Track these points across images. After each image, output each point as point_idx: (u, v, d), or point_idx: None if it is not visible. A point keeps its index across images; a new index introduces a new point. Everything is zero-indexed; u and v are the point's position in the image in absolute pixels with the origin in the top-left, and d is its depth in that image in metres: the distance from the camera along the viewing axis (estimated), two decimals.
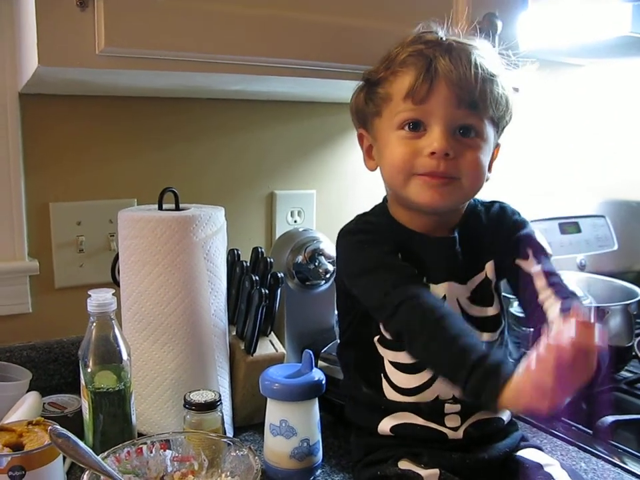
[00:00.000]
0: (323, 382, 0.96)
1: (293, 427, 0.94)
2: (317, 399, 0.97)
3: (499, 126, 0.87)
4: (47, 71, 0.89)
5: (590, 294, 1.41)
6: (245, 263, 1.15)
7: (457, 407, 0.86)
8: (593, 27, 1.41)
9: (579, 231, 1.75)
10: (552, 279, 0.85)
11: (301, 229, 1.27)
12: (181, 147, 1.35)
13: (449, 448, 0.86)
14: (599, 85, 1.93)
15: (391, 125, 0.84)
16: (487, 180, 0.87)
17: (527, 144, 1.82)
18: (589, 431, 1.11)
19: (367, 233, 0.88)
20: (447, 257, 0.88)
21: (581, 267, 1.69)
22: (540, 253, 0.88)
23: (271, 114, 1.43)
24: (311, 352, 0.99)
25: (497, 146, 0.90)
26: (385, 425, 0.89)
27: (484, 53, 0.83)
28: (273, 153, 1.45)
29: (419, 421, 0.87)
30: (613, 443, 1.07)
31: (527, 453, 0.88)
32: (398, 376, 0.88)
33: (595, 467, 0.99)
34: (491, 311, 0.89)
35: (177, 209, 1.06)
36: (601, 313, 1.28)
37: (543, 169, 1.87)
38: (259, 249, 1.19)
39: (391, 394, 0.89)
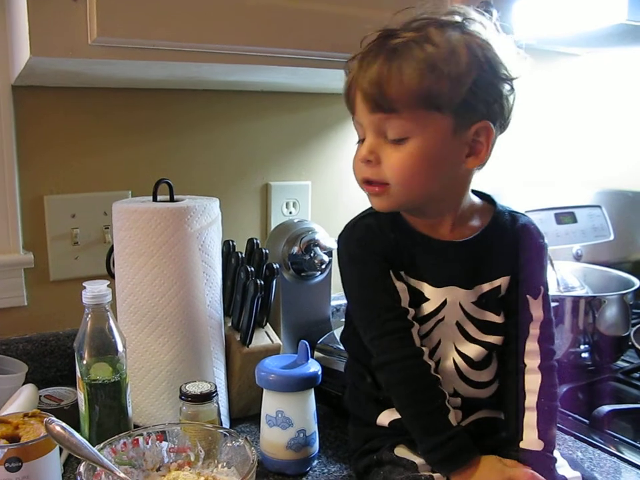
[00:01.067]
0: (319, 373, 0.96)
1: (289, 417, 0.94)
2: (312, 389, 0.97)
3: (457, 110, 0.77)
4: (39, 62, 0.88)
5: (586, 284, 1.41)
6: (240, 254, 1.15)
7: (458, 401, 0.86)
8: (588, 16, 1.40)
9: (575, 221, 1.75)
10: (546, 342, 0.86)
11: (296, 220, 1.27)
12: (175, 138, 1.34)
13: None
14: (595, 74, 1.92)
15: None
16: (475, 163, 0.82)
17: (522, 134, 1.82)
18: (585, 420, 1.11)
19: (360, 243, 0.86)
20: (451, 260, 0.86)
21: (577, 257, 1.69)
22: (547, 292, 0.88)
23: (265, 105, 1.42)
24: (307, 343, 0.99)
25: (475, 125, 0.79)
26: (384, 418, 0.89)
27: (434, 39, 0.76)
28: (267, 144, 1.44)
29: None
30: (610, 432, 1.08)
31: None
32: None
33: (591, 457, 0.99)
34: (497, 318, 0.87)
35: (172, 200, 1.06)
36: (597, 303, 1.28)
37: (538, 159, 1.87)
38: (254, 240, 1.18)
39: None
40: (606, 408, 1.12)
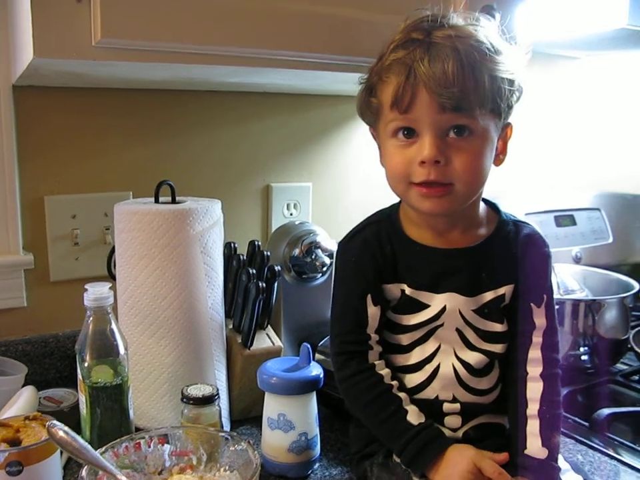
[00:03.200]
0: (321, 376, 0.96)
1: (290, 420, 0.94)
2: (314, 392, 0.96)
3: (502, 111, 0.81)
4: (42, 63, 0.88)
5: (586, 286, 1.42)
6: (241, 256, 1.15)
7: (457, 407, 0.86)
8: (589, 20, 1.41)
9: (574, 223, 1.75)
10: (548, 350, 0.86)
11: (297, 222, 1.27)
12: (177, 139, 1.34)
13: None
14: (595, 77, 1.92)
15: (386, 132, 0.83)
16: (500, 162, 0.85)
17: (522, 137, 1.81)
18: (585, 423, 1.11)
19: (348, 263, 0.88)
20: (451, 268, 0.85)
21: (577, 260, 1.69)
22: (551, 301, 0.87)
23: (267, 106, 1.42)
24: (309, 345, 0.99)
25: (507, 127, 0.85)
26: None
27: (476, 39, 0.78)
28: (269, 146, 1.44)
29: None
30: (609, 435, 1.08)
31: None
32: (399, 376, 0.87)
33: (591, 460, 0.99)
34: (499, 327, 0.86)
35: (174, 201, 1.06)
36: (597, 306, 1.28)
37: (538, 161, 1.87)
38: (256, 242, 1.18)
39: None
40: (605, 411, 1.12)
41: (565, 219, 1.74)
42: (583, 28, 1.45)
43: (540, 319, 0.86)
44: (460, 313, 0.85)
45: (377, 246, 0.86)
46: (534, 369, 0.85)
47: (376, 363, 0.86)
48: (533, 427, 0.83)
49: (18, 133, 1.19)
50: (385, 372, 0.86)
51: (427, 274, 0.85)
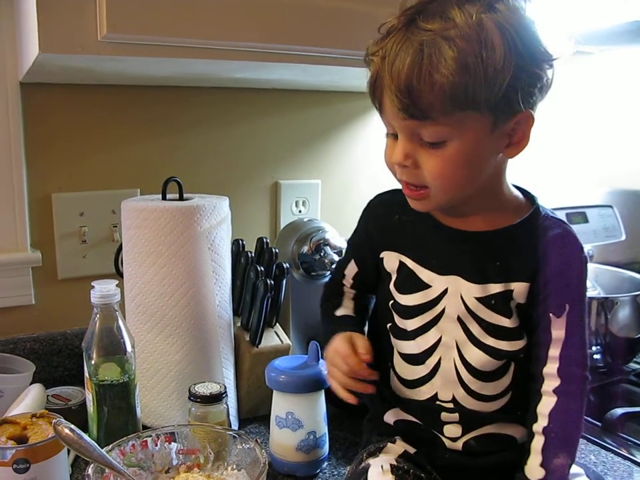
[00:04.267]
0: None
1: (299, 419, 0.93)
2: (323, 391, 0.96)
3: (499, 107, 0.71)
4: (47, 58, 0.87)
5: (598, 284, 1.40)
6: (249, 254, 1.14)
7: (456, 417, 0.82)
8: (602, 14, 1.39)
9: (586, 221, 1.74)
10: (567, 365, 0.79)
11: (305, 219, 1.26)
12: (185, 136, 1.34)
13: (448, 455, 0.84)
14: (609, 72, 1.91)
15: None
16: (515, 153, 0.77)
17: (534, 132, 1.80)
18: (597, 423, 1.10)
19: (365, 216, 0.91)
20: (457, 250, 0.81)
21: (589, 257, 1.67)
22: (575, 312, 0.79)
23: (275, 102, 1.42)
24: (318, 343, 0.98)
25: (521, 115, 0.73)
26: (390, 417, 0.88)
27: (463, 35, 0.68)
28: (277, 142, 1.44)
29: (420, 423, 0.85)
30: (623, 435, 1.07)
31: None
32: (403, 367, 0.85)
33: (604, 460, 0.98)
34: (507, 322, 0.80)
35: (181, 198, 1.05)
36: (609, 304, 1.27)
37: (550, 158, 1.86)
38: (264, 239, 1.17)
39: (396, 385, 0.87)
40: (619, 411, 1.11)
41: (576, 216, 1.72)
42: (596, 22, 1.43)
43: (558, 331, 0.79)
44: (462, 299, 0.80)
45: (386, 211, 0.87)
46: (549, 383, 0.79)
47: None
48: (537, 443, 0.78)
49: (25, 130, 1.19)
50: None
51: (432, 251, 0.82)
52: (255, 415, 1.11)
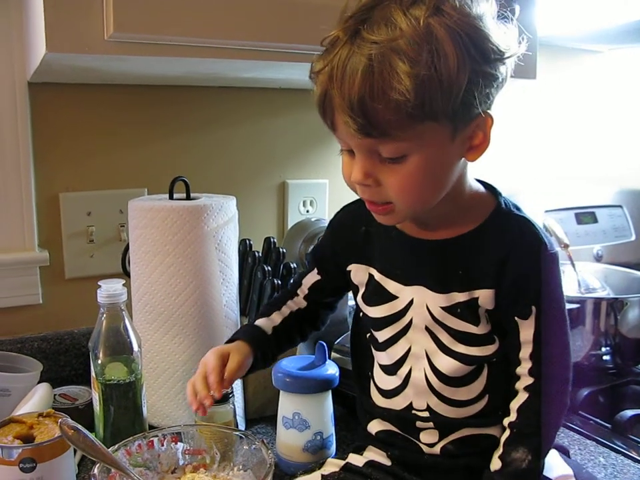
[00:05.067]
0: (337, 375, 0.95)
1: (306, 419, 0.93)
2: (330, 391, 0.95)
3: (459, 114, 0.67)
4: (55, 58, 0.87)
5: (607, 285, 1.39)
6: (257, 253, 1.14)
7: (430, 424, 0.80)
8: (611, 12, 1.38)
9: (595, 221, 1.73)
10: (539, 366, 0.75)
11: (313, 219, 1.26)
12: (192, 135, 1.34)
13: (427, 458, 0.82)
14: (618, 71, 1.90)
15: None
16: (476, 156, 0.72)
17: (544, 132, 1.80)
18: (607, 425, 1.09)
19: (333, 224, 0.90)
20: (422, 260, 0.79)
21: (598, 258, 1.66)
22: (543, 313, 0.75)
23: (282, 102, 1.41)
24: (325, 344, 0.97)
25: (480, 118, 0.70)
26: (372, 427, 0.86)
27: (411, 42, 0.64)
28: (284, 142, 1.43)
29: (398, 431, 0.84)
30: (633, 437, 1.05)
31: None
32: (380, 377, 0.84)
33: (614, 462, 0.97)
34: (475, 329, 0.77)
35: (188, 198, 1.05)
36: (619, 305, 1.26)
37: (560, 157, 1.85)
38: (271, 239, 1.17)
39: (375, 395, 0.86)
40: (629, 412, 1.10)
41: (586, 216, 1.71)
42: (605, 20, 1.43)
43: (527, 334, 0.76)
44: (428, 309, 0.78)
45: (350, 225, 0.85)
46: (523, 381, 0.76)
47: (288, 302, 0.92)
48: (503, 436, 0.76)
49: (33, 130, 1.19)
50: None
51: (398, 262, 0.80)
52: (261, 416, 1.11)
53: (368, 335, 0.86)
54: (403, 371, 0.81)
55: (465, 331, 0.77)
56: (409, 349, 0.80)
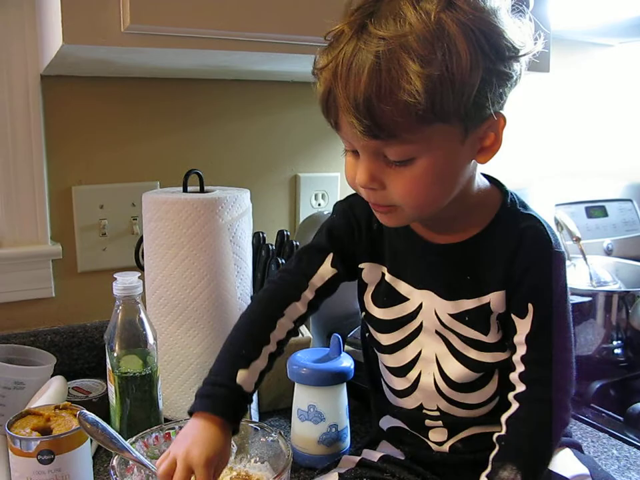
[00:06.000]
0: (352, 367, 0.95)
1: (321, 412, 0.93)
2: (345, 384, 0.95)
3: (470, 115, 0.64)
4: (71, 50, 0.87)
5: (618, 278, 1.39)
6: (270, 246, 1.14)
7: (439, 423, 0.80)
8: (621, 5, 1.38)
9: (605, 215, 1.73)
10: (530, 368, 0.73)
11: (325, 212, 1.26)
12: (204, 128, 1.33)
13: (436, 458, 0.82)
14: (629, 65, 1.89)
15: None
16: (487, 158, 0.70)
17: (555, 126, 1.79)
18: (619, 417, 1.09)
19: (334, 215, 0.84)
20: (431, 265, 0.77)
21: (608, 252, 1.66)
22: (541, 312, 0.72)
23: (295, 95, 1.41)
24: (339, 336, 0.97)
25: (492, 119, 0.67)
26: (384, 423, 0.87)
27: (419, 39, 0.60)
28: (296, 135, 1.43)
29: (408, 428, 0.84)
30: None
31: (555, 460, 0.77)
32: (388, 376, 0.84)
33: (627, 455, 0.97)
34: (484, 338, 0.75)
35: (202, 191, 1.05)
36: (631, 298, 1.26)
37: (570, 151, 1.85)
38: (285, 232, 1.17)
39: (387, 393, 0.86)
40: None
41: (596, 209, 1.71)
42: (616, 14, 1.42)
43: (522, 334, 0.73)
44: (436, 314, 0.76)
45: (365, 219, 0.80)
46: (516, 389, 0.74)
47: (286, 312, 0.79)
48: (493, 452, 0.72)
49: (46, 123, 1.19)
50: (280, 326, 0.78)
51: (408, 264, 0.78)
52: (274, 409, 1.11)
53: (367, 333, 0.85)
54: (412, 375, 0.80)
55: (474, 338, 0.76)
56: (419, 353, 0.79)
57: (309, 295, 0.81)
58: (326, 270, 0.81)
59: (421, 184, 0.66)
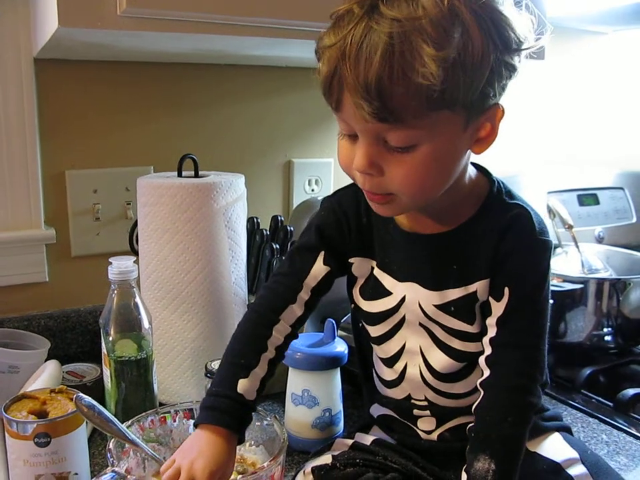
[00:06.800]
0: (346, 352, 0.95)
1: (315, 396, 0.94)
2: (339, 368, 0.96)
3: (473, 103, 0.64)
4: (66, 33, 0.87)
5: (609, 266, 1.40)
6: (265, 232, 1.14)
7: (427, 413, 0.81)
8: None
9: (597, 202, 1.73)
10: (498, 354, 0.72)
11: (319, 198, 1.25)
12: (198, 113, 1.33)
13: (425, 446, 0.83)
14: (622, 53, 1.90)
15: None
16: (483, 149, 0.70)
17: (548, 114, 1.80)
18: (609, 403, 1.10)
19: (322, 212, 0.82)
20: (416, 255, 0.76)
21: (599, 239, 1.67)
22: (516, 297, 0.72)
23: (289, 81, 1.41)
24: (334, 321, 0.98)
25: (491, 109, 0.67)
26: (374, 410, 0.88)
27: (433, 21, 0.59)
28: (290, 121, 1.43)
29: (397, 417, 0.85)
30: (634, 415, 1.07)
31: (545, 444, 0.80)
32: (379, 366, 0.85)
33: (616, 439, 0.99)
34: (469, 328, 0.75)
35: (197, 176, 1.05)
36: (622, 285, 1.27)
37: (563, 139, 1.85)
38: (279, 217, 1.17)
39: (377, 383, 0.87)
40: (630, 391, 1.11)
41: (588, 197, 1.72)
42: (611, 1, 1.42)
43: (494, 316, 0.73)
44: (420, 306, 0.76)
45: (354, 213, 0.79)
46: (481, 378, 0.74)
47: (282, 317, 0.79)
48: (468, 444, 0.72)
49: (39, 106, 1.18)
50: (277, 332, 0.78)
51: (394, 257, 0.78)
52: (268, 393, 1.11)
53: (360, 324, 0.86)
54: (399, 366, 0.81)
55: (459, 329, 0.76)
56: (404, 345, 0.80)
57: (304, 295, 0.80)
58: (319, 268, 0.81)
59: (420, 171, 0.66)
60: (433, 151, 0.65)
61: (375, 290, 0.80)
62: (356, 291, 0.83)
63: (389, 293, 0.79)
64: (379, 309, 0.80)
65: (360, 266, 0.81)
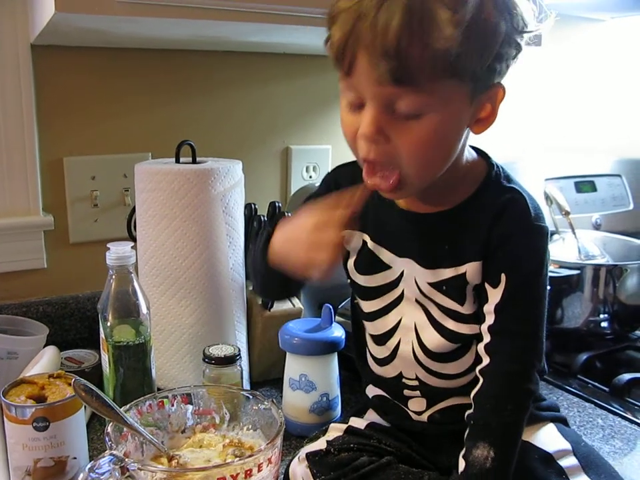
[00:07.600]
0: (343, 337, 0.96)
1: (312, 381, 0.94)
2: (336, 353, 0.97)
3: (480, 76, 0.65)
4: (63, 18, 0.87)
5: (606, 252, 1.40)
6: (262, 217, 1.14)
7: (417, 393, 0.82)
8: None
9: (594, 189, 1.73)
10: (496, 341, 0.72)
11: (316, 184, 1.25)
12: (196, 100, 1.33)
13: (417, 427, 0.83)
14: (620, 40, 1.89)
15: (340, 87, 0.70)
16: (482, 129, 0.70)
17: (545, 101, 1.79)
18: (605, 388, 1.11)
19: (322, 184, 0.85)
20: (409, 233, 0.77)
21: (596, 226, 1.67)
22: (513, 284, 0.72)
23: (287, 68, 1.41)
24: (331, 307, 0.98)
25: (493, 88, 0.68)
26: (370, 391, 0.88)
27: None
28: (288, 108, 1.43)
29: (389, 397, 0.85)
30: (630, 400, 1.07)
31: (539, 434, 0.80)
32: (372, 345, 0.85)
33: (612, 424, 1.00)
34: (460, 308, 0.75)
35: (194, 162, 1.05)
36: (618, 272, 1.27)
37: (560, 126, 1.85)
38: (277, 204, 1.17)
39: (370, 362, 0.87)
40: (626, 376, 1.12)
41: (585, 184, 1.72)
42: None
43: (492, 303, 0.73)
44: (416, 283, 0.77)
45: (348, 186, 0.77)
46: (479, 365, 0.74)
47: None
48: (466, 431, 0.72)
49: (37, 93, 1.18)
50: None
51: (390, 232, 0.79)
52: (266, 378, 1.12)
53: (355, 300, 0.86)
54: (392, 343, 0.81)
55: (451, 309, 0.76)
56: (400, 321, 0.80)
57: None
58: None
59: (427, 141, 0.66)
60: (439, 120, 0.65)
61: (372, 264, 0.80)
62: (351, 266, 0.83)
63: (387, 267, 0.79)
64: (377, 283, 0.80)
65: (353, 238, 0.81)
